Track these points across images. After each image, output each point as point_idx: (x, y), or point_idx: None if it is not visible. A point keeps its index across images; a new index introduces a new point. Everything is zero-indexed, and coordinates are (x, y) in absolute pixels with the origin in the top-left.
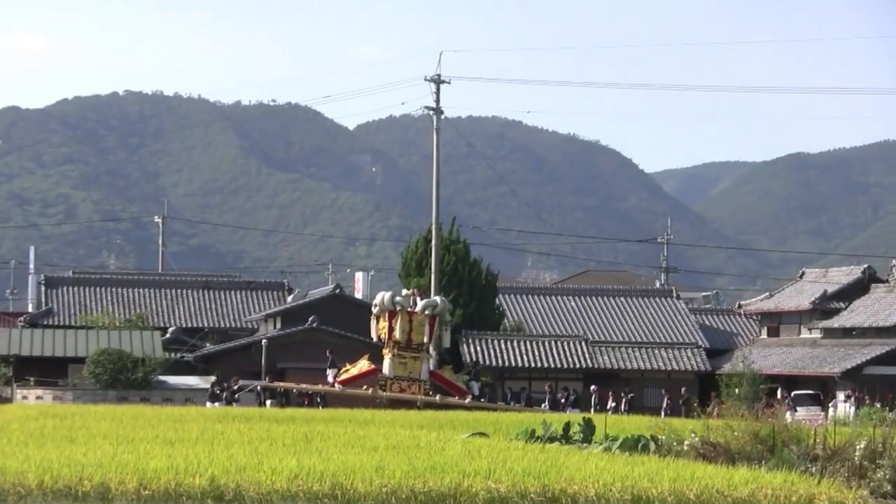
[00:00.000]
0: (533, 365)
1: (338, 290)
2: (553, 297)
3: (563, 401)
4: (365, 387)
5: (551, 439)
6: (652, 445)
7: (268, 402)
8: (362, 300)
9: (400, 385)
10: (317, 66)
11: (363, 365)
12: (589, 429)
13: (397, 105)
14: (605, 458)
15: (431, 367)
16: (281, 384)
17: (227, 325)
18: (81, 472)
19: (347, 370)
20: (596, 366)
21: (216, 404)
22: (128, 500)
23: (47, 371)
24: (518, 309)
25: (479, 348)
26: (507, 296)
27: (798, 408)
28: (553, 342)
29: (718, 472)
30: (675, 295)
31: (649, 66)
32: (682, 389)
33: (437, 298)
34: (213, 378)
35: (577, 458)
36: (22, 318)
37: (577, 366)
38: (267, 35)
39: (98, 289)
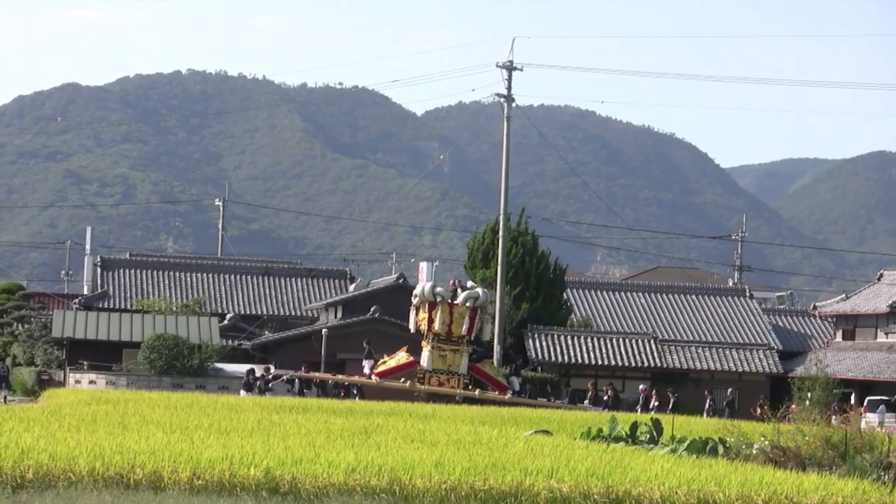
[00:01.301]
0: (600, 362)
1: (401, 280)
2: (622, 293)
3: (605, 398)
4: (403, 379)
5: (617, 439)
6: (720, 448)
7: (305, 392)
8: None
9: (438, 379)
10: (385, 50)
11: (401, 357)
12: (656, 429)
13: (467, 91)
14: (672, 460)
15: (490, 364)
16: (317, 375)
17: (287, 313)
18: (133, 460)
19: (385, 362)
20: (664, 365)
21: (250, 393)
22: (180, 490)
23: (101, 355)
24: (586, 304)
25: (544, 344)
26: (574, 290)
27: (872, 414)
28: (621, 339)
29: (788, 477)
30: (748, 294)
31: (728, 58)
32: (729, 391)
33: (479, 290)
34: (250, 366)
35: (643, 459)
36: (77, 301)
37: (645, 364)
38: (335, 16)
39: (155, 272)
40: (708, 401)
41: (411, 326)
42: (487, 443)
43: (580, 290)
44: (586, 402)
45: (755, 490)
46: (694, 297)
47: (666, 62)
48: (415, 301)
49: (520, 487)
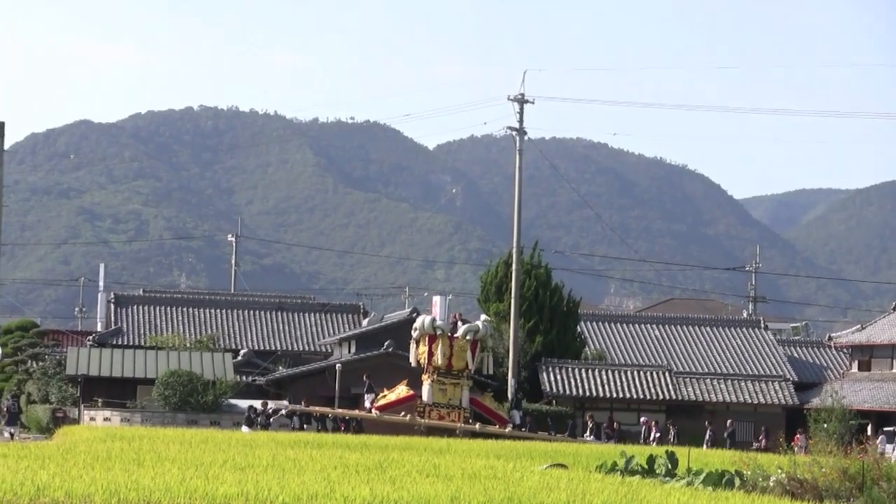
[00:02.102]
0: (614, 395)
1: (415, 314)
2: (636, 326)
3: (606, 430)
4: (403, 413)
5: (632, 472)
6: (737, 481)
7: (305, 427)
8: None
9: (439, 412)
10: (397, 84)
11: (401, 391)
12: (672, 462)
13: (479, 124)
14: (688, 493)
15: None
16: (317, 409)
17: (301, 349)
18: (149, 497)
19: (385, 396)
20: (680, 397)
21: (251, 429)
22: None
23: (115, 392)
24: (600, 337)
25: (558, 377)
26: (588, 323)
27: (889, 445)
28: (635, 372)
29: None
30: (763, 325)
31: (738, 89)
32: (728, 422)
33: (479, 323)
34: (251, 403)
35: (659, 492)
36: (90, 338)
37: (661, 397)
38: (346, 51)
39: (168, 308)
40: (708, 432)
41: (412, 360)
42: (503, 477)
43: (594, 323)
44: (587, 434)
45: None
46: (708, 328)
47: (678, 93)
48: (415, 334)
49: None
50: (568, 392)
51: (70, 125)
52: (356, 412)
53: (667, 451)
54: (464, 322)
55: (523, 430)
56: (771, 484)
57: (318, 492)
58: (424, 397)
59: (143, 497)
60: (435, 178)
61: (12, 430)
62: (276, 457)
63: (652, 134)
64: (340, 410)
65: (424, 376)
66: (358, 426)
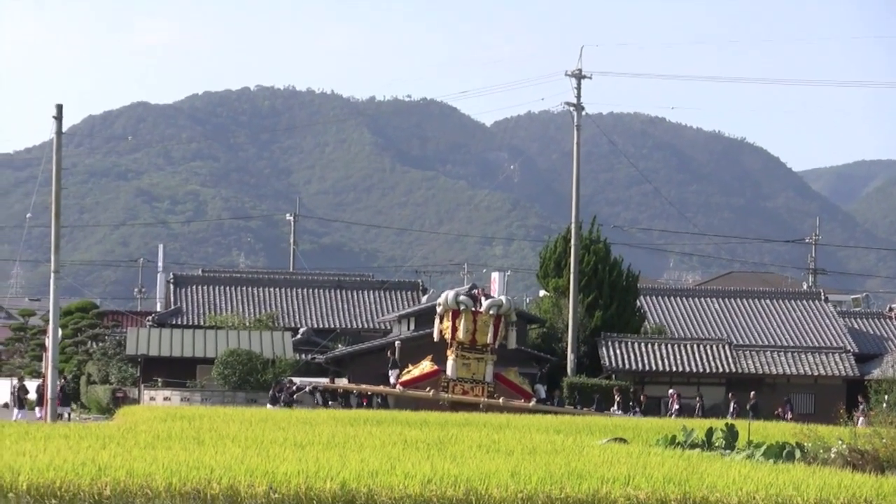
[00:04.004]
0: (674, 369)
1: (474, 291)
2: (696, 300)
3: (633, 405)
4: (428, 388)
5: (692, 446)
6: (797, 453)
7: (329, 404)
8: None
9: (462, 387)
10: (453, 61)
11: (426, 366)
12: (731, 436)
13: (536, 101)
14: (749, 466)
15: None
16: (341, 385)
17: (360, 326)
18: (210, 476)
19: (410, 371)
20: (740, 370)
21: (276, 407)
22: None
23: (175, 372)
24: (659, 311)
25: (618, 352)
26: (648, 297)
27: None
28: (695, 346)
29: (867, 480)
30: (823, 298)
31: (798, 61)
32: (752, 393)
33: (503, 298)
34: (278, 380)
35: (719, 465)
36: (150, 318)
37: (720, 370)
38: (402, 29)
39: (227, 288)
40: (732, 403)
41: (435, 335)
42: (563, 451)
43: (653, 297)
44: (614, 408)
45: (834, 494)
46: (768, 301)
47: (735, 66)
48: (439, 310)
49: (596, 495)
50: (628, 367)
51: (127, 107)
52: (380, 388)
53: (726, 425)
54: (486, 297)
55: (548, 403)
56: (832, 456)
57: (379, 468)
58: (448, 372)
59: (204, 476)
60: (492, 155)
61: (67, 411)
62: (336, 434)
63: (710, 108)
64: (364, 386)
65: (448, 351)
66: (383, 402)
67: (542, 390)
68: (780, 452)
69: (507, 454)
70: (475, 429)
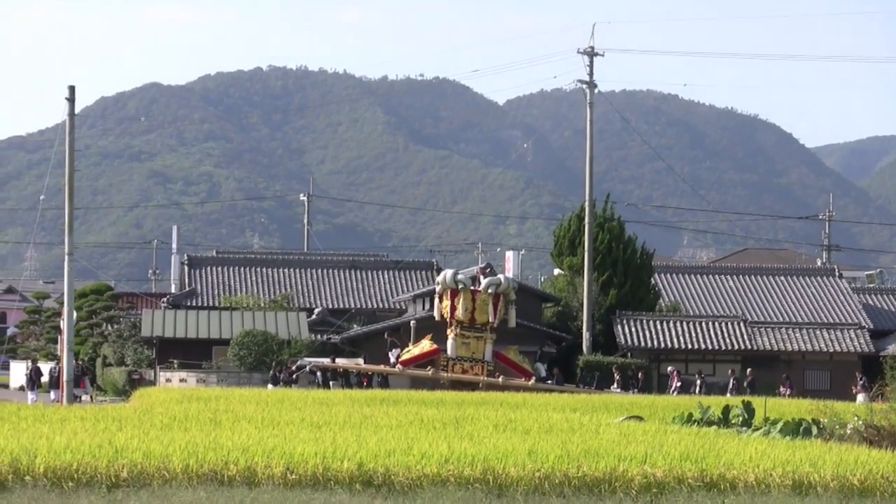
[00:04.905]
0: (689, 346)
1: (488, 270)
2: (710, 277)
3: (632, 382)
4: (428, 368)
5: (709, 423)
6: (814, 429)
7: (330, 384)
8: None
9: (462, 366)
10: (465, 39)
11: (425, 345)
12: (748, 413)
13: (549, 79)
14: (765, 443)
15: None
16: (340, 364)
17: (375, 306)
18: (227, 457)
19: (409, 350)
20: (755, 347)
21: (276, 387)
22: (274, 485)
23: (191, 353)
24: (674, 289)
25: (633, 329)
26: (662, 275)
27: None
28: (710, 323)
29: (884, 456)
30: (837, 274)
31: (810, 37)
32: (748, 370)
33: (501, 276)
34: (279, 360)
35: (736, 442)
36: (165, 300)
37: (736, 347)
38: (414, 8)
39: (242, 269)
40: (731, 380)
41: (436, 314)
42: (579, 430)
43: (668, 275)
44: (614, 386)
45: (850, 470)
46: (783, 278)
47: (747, 43)
48: (438, 289)
49: (613, 474)
50: (643, 345)
51: (139, 88)
52: (380, 367)
53: (743, 402)
54: (486, 276)
55: (549, 382)
56: (848, 432)
57: (396, 448)
58: (448, 351)
59: (221, 457)
60: (505, 133)
61: (83, 394)
62: (352, 414)
63: (722, 84)
64: (364, 366)
65: (448, 330)
66: (383, 381)
67: (541, 369)
68: (796, 429)
69: (523, 433)
70: (491, 408)
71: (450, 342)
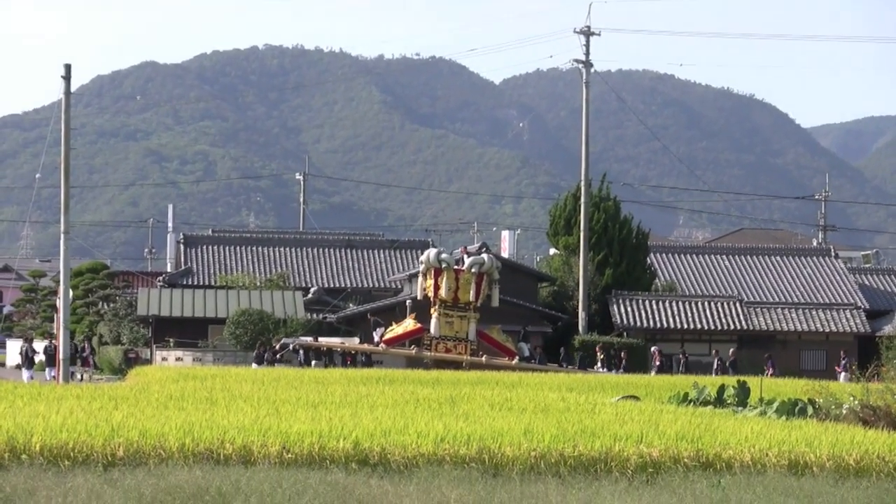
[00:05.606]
0: (685, 326)
1: (484, 249)
2: (706, 257)
3: (616, 362)
4: (411, 346)
5: (704, 403)
6: (810, 409)
7: (313, 363)
8: (509, 260)
9: (445, 345)
10: (461, 18)
11: (409, 324)
12: (743, 392)
13: (545, 58)
14: (761, 423)
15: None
16: (324, 343)
17: (370, 285)
18: (223, 436)
19: (393, 329)
20: (751, 327)
21: (261, 366)
22: (270, 464)
23: (186, 332)
24: (670, 269)
25: (629, 309)
26: (658, 255)
27: None
28: (706, 303)
29: (879, 437)
30: (833, 254)
31: (807, 16)
32: (731, 350)
33: (485, 256)
34: (262, 340)
35: (732, 422)
36: (161, 278)
37: (732, 327)
38: None
39: (238, 248)
40: (716, 360)
41: (418, 294)
42: (575, 409)
43: (664, 255)
44: (598, 365)
45: (846, 450)
46: (778, 258)
47: (744, 22)
48: (421, 268)
49: (609, 453)
50: (639, 324)
51: (136, 67)
52: (364, 346)
53: (738, 381)
54: (469, 255)
55: (532, 361)
56: (844, 412)
57: (392, 427)
58: (432, 330)
59: (217, 436)
60: (501, 113)
61: (90, 372)
62: (348, 393)
63: (719, 64)
64: (348, 345)
65: (432, 310)
66: (367, 360)
67: (525, 348)
68: (792, 409)
69: (519, 412)
70: (487, 387)
71: (433, 321)
